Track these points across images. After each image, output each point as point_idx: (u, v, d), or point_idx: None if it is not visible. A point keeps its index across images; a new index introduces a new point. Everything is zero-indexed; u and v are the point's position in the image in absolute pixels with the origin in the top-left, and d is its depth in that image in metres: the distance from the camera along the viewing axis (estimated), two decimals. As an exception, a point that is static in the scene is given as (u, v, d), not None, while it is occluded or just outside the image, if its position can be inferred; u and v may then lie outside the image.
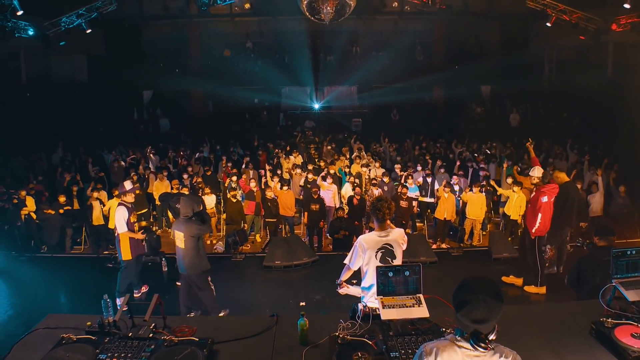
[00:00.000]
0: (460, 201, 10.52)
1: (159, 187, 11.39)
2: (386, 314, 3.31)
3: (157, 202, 11.18)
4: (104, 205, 9.65)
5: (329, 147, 15.84)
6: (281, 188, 10.46)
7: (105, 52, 19.71)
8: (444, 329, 3.16)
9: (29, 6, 13.27)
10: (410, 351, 2.97)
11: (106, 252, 9.47)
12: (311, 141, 17.61)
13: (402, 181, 11.14)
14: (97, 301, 3.44)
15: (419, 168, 12.21)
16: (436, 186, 11.09)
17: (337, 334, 3.18)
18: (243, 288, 7.63)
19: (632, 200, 10.56)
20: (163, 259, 8.63)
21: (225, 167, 13.08)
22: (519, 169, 11.23)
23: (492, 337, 2.08)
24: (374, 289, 3.58)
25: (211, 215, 10.45)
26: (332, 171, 11.93)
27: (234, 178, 10.99)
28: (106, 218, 9.50)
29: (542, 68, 20.72)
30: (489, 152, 14.77)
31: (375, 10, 19.40)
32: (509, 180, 10.45)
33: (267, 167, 12.44)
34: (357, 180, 11.47)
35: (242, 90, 19.93)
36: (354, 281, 4.20)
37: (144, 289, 7.52)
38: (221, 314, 6.16)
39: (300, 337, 3.22)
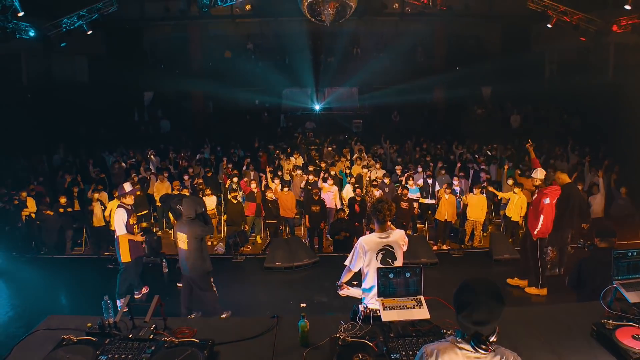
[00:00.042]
0: (461, 203, 10.52)
1: (160, 188, 11.40)
2: (387, 316, 3.31)
3: (158, 204, 11.20)
4: (104, 207, 9.66)
5: (330, 149, 15.85)
6: (282, 189, 10.46)
7: (106, 53, 19.74)
8: (444, 331, 3.15)
9: (30, 8, 13.31)
10: (411, 353, 2.97)
11: (107, 253, 9.47)
12: (312, 142, 17.62)
13: (403, 182, 11.14)
14: (97, 302, 3.45)
15: (420, 169, 12.21)
16: (437, 187, 11.09)
17: (337, 335, 3.18)
18: (243, 289, 7.62)
19: (633, 201, 10.55)
20: (164, 260, 8.63)
21: (225, 168, 13.09)
22: (519, 172, 11.23)
23: (492, 338, 2.08)
24: (375, 290, 3.58)
25: (212, 217, 10.45)
26: (332, 172, 11.92)
27: (235, 179, 10.99)
28: (107, 219, 9.50)
29: (543, 69, 20.74)
30: (489, 153, 14.77)
31: (376, 12, 19.40)
32: (510, 181, 10.45)
33: (268, 169, 12.45)
34: (356, 185, 11.46)
35: (242, 92, 19.94)
36: (355, 283, 4.20)
37: (145, 290, 7.52)
38: (223, 316, 6.16)
39: (300, 339, 3.22)
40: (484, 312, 2.04)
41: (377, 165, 12.74)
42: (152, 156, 13.89)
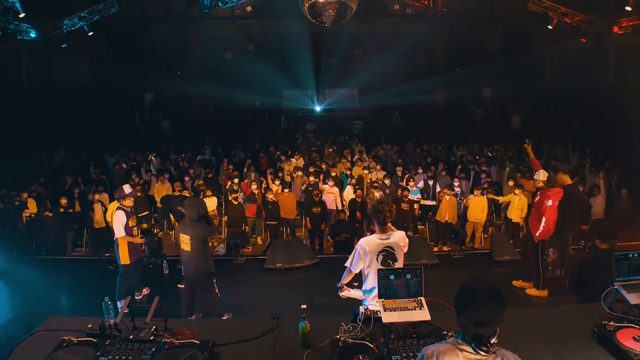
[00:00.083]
0: (462, 204, 10.51)
1: (161, 189, 11.41)
2: (387, 317, 3.31)
3: (159, 205, 11.20)
4: (105, 208, 9.66)
5: (331, 150, 15.85)
6: (282, 191, 10.46)
7: (106, 54, 19.72)
8: (445, 332, 3.14)
9: (31, 9, 13.31)
10: (411, 354, 2.96)
11: (107, 254, 9.46)
12: (312, 144, 17.62)
13: (404, 184, 11.14)
14: (98, 304, 3.45)
15: (420, 171, 12.21)
16: (437, 189, 11.08)
17: (338, 336, 3.17)
18: (244, 290, 7.62)
19: (634, 203, 10.54)
20: (164, 261, 8.63)
21: (226, 169, 13.09)
22: (521, 175, 11.22)
23: (493, 340, 2.08)
24: (376, 291, 3.58)
25: (212, 218, 10.45)
26: (333, 174, 11.93)
27: (236, 180, 11.00)
28: (107, 220, 9.50)
29: (544, 70, 20.73)
30: (490, 154, 14.76)
31: (376, 13, 19.42)
32: (510, 183, 10.44)
33: (268, 170, 12.45)
34: (357, 186, 11.46)
35: (243, 93, 19.91)
36: (355, 284, 4.20)
37: (145, 291, 7.52)
38: (224, 317, 6.16)
39: (301, 340, 3.22)
40: (485, 313, 2.04)
41: (378, 167, 12.74)
42: (152, 157, 13.90)
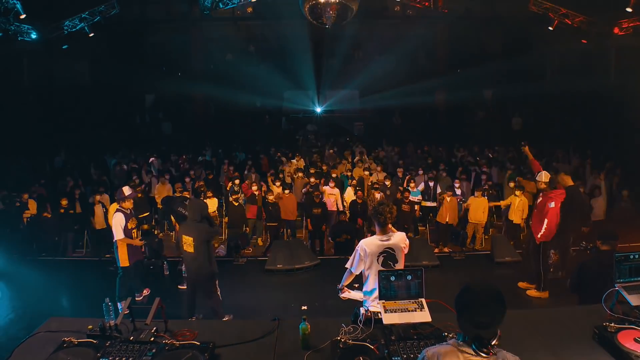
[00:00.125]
0: (463, 205, 10.50)
1: (161, 190, 11.41)
2: (388, 319, 3.31)
3: (159, 206, 11.20)
4: (106, 209, 9.66)
5: (331, 151, 15.85)
6: (283, 192, 10.45)
7: (107, 55, 19.75)
8: (446, 334, 3.14)
9: (32, 10, 13.34)
10: (412, 356, 2.96)
11: (108, 255, 9.45)
12: (313, 145, 17.61)
13: (404, 185, 11.13)
14: (98, 305, 3.45)
15: (421, 172, 12.20)
16: (438, 190, 11.08)
17: (338, 338, 3.17)
18: (245, 292, 7.61)
19: (635, 204, 10.52)
20: (165, 262, 8.63)
21: (227, 170, 13.09)
22: (522, 178, 11.21)
23: (494, 342, 2.07)
24: (376, 293, 3.58)
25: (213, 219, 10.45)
26: (334, 175, 11.92)
27: (236, 182, 11.00)
28: (108, 222, 9.50)
29: (545, 72, 20.71)
30: (491, 156, 14.76)
31: (377, 15, 19.44)
32: (511, 184, 10.43)
33: (269, 172, 12.45)
34: (358, 187, 11.45)
35: (244, 94, 19.92)
36: (356, 285, 4.19)
37: (146, 292, 7.52)
38: (225, 319, 6.15)
39: (301, 342, 3.22)
40: (485, 314, 2.04)
41: (379, 168, 12.73)
42: (153, 158, 13.90)
